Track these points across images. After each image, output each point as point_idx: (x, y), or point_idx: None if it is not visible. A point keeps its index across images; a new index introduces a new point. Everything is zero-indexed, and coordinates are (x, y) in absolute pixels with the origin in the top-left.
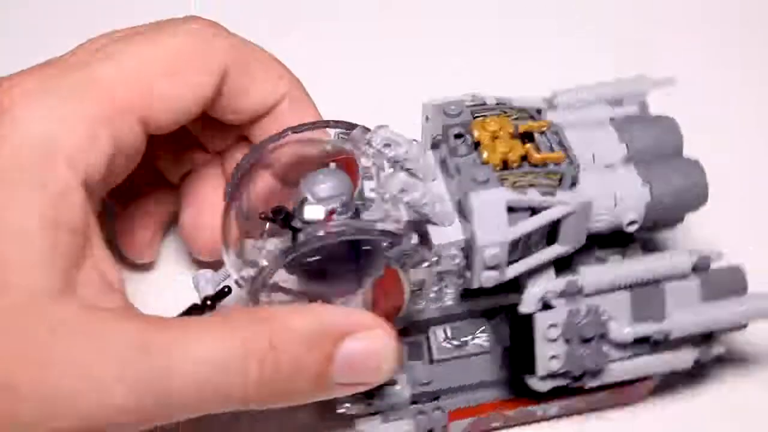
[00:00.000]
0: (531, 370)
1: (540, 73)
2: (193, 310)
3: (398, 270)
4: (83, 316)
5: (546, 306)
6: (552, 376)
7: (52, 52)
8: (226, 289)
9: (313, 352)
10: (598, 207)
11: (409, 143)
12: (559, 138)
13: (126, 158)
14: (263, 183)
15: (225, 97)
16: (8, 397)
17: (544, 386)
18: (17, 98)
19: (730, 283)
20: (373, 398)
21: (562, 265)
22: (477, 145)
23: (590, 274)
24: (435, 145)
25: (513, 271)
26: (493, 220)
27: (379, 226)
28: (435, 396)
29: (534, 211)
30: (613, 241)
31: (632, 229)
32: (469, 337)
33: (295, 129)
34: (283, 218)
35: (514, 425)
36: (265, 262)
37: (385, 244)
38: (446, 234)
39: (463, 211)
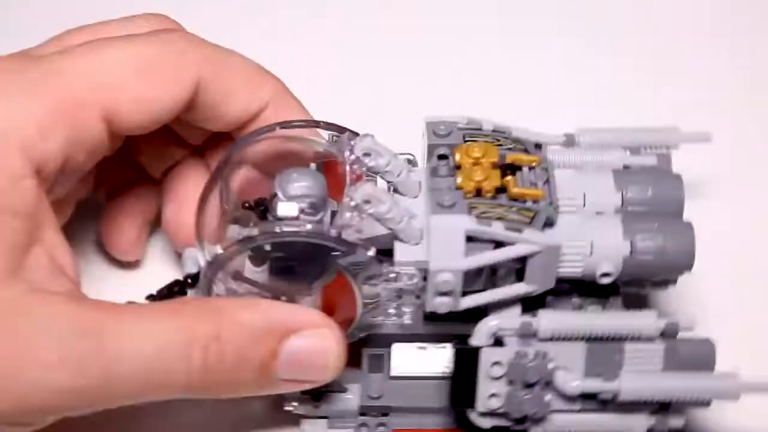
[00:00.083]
0: (470, 403)
1: (540, 73)
2: (174, 287)
3: (351, 280)
4: (28, 298)
5: (498, 342)
6: (492, 414)
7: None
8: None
9: (257, 347)
10: (572, 252)
11: (392, 156)
12: (547, 176)
13: (87, 152)
14: (249, 174)
15: (201, 108)
16: None
17: (485, 423)
18: None
19: (697, 356)
20: (321, 401)
21: (537, 306)
22: (458, 168)
23: (548, 319)
24: None
25: (469, 302)
26: (449, 246)
27: (333, 233)
28: (384, 412)
29: (498, 244)
30: (597, 290)
31: (605, 281)
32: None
33: (284, 125)
34: (262, 211)
35: None
36: (220, 250)
37: (337, 252)
38: (410, 252)
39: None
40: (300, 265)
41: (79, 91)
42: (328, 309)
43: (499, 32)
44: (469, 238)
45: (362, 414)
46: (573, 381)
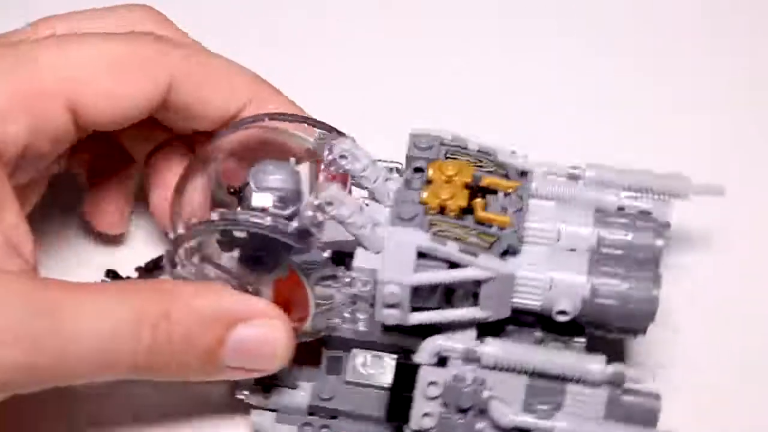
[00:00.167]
0: (405, 419)
1: (540, 73)
2: (160, 261)
3: (303, 278)
4: None
5: (441, 363)
6: None
7: None
8: None
9: (205, 332)
10: (529, 284)
11: (370, 162)
12: (521, 205)
13: (50, 140)
14: (236, 161)
15: (175, 109)
16: None
17: None
18: None
19: (640, 410)
20: (271, 394)
21: (496, 333)
22: (429, 183)
23: (492, 347)
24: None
25: (419, 318)
26: (399, 259)
27: (290, 230)
28: (332, 415)
29: (453, 265)
30: (562, 329)
31: (561, 318)
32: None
33: (273, 116)
34: (239, 198)
35: None
36: (182, 230)
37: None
38: (369, 259)
39: None
40: (265, 257)
41: (45, 81)
42: (281, 304)
43: (499, 32)
44: (423, 255)
45: (311, 413)
46: (508, 414)
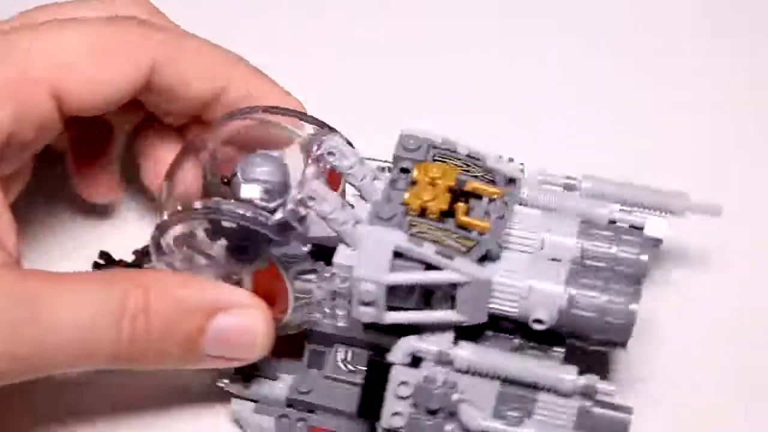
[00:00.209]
0: (376, 417)
1: (540, 73)
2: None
3: (282, 271)
4: None
5: (415, 363)
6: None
7: None
8: None
9: (185, 321)
10: (506, 291)
11: (357, 160)
12: (505, 211)
13: (35, 128)
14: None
15: (158, 91)
16: None
17: None
18: None
19: (610, 424)
20: (251, 383)
21: (474, 337)
22: (413, 184)
23: (465, 351)
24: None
25: (394, 317)
26: (375, 258)
27: (271, 222)
28: (310, 408)
29: (430, 267)
30: (542, 338)
31: (537, 327)
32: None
33: (267, 109)
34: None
35: None
36: (165, 217)
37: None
38: (348, 256)
39: None
40: (248, 248)
41: (30, 69)
42: (260, 295)
43: (499, 32)
44: (400, 255)
45: (289, 405)
46: (477, 418)
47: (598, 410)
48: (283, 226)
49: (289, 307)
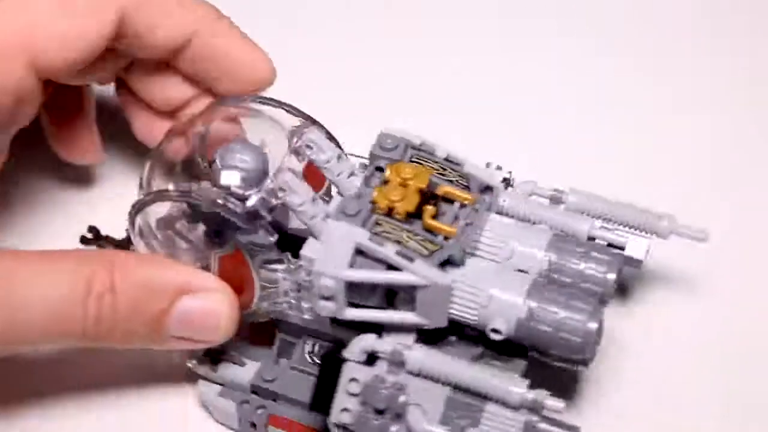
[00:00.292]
0: (326, 411)
1: (540, 73)
2: None
3: (248, 258)
4: None
5: (370, 361)
6: (345, 428)
7: None
8: None
9: (151, 301)
10: (465, 297)
11: (335, 155)
12: (475, 218)
13: (17, 101)
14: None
15: (126, 39)
16: None
17: None
18: None
19: None
20: (218, 366)
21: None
22: (384, 183)
23: (417, 353)
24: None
25: (353, 314)
26: (336, 253)
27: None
28: (273, 397)
29: (391, 267)
30: (505, 349)
31: (495, 336)
32: None
33: (255, 98)
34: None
35: None
36: (141, 196)
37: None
38: (314, 249)
39: None
40: (221, 233)
41: (4, 44)
42: (226, 280)
43: (499, 32)
44: (362, 253)
45: (253, 392)
46: (422, 422)
47: (543, 426)
48: (252, 215)
49: (255, 295)
